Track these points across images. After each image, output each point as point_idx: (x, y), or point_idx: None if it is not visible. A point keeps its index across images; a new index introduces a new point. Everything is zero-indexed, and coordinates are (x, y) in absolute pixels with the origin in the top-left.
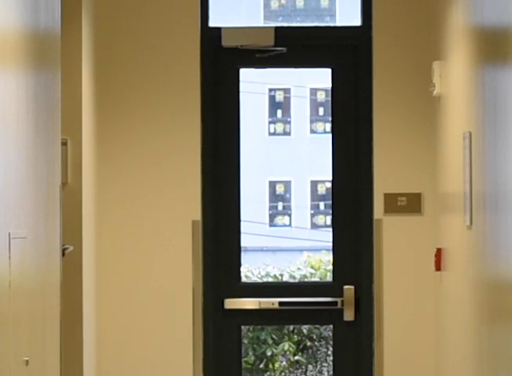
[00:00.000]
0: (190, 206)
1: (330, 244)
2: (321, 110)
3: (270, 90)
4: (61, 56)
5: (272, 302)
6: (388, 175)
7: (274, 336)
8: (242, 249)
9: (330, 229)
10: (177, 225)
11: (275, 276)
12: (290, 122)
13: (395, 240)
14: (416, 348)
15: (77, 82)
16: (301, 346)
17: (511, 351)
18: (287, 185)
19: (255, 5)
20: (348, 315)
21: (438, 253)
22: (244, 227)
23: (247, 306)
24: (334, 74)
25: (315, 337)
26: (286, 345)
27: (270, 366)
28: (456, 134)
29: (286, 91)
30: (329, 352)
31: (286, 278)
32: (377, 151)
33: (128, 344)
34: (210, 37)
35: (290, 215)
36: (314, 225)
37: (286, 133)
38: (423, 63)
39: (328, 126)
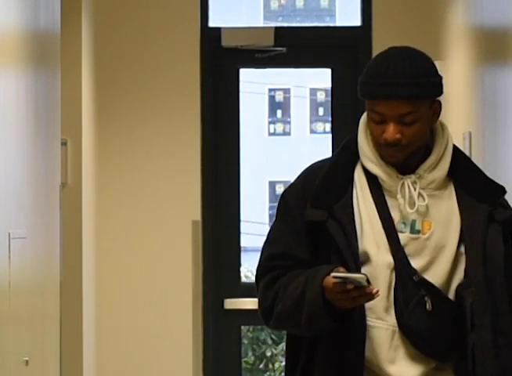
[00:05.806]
0: (190, 206)
1: None
2: (321, 110)
3: (270, 90)
4: (61, 56)
5: None
6: None
7: (274, 336)
8: (242, 249)
9: None
10: (177, 225)
11: None
12: (289, 122)
13: None
14: None
15: (77, 82)
16: None
17: None
18: (287, 185)
19: (255, 5)
20: None
21: None
22: (244, 227)
23: (247, 306)
24: (334, 74)
25: None
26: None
27: (270, 366)
28: (456, 134)
29: (286, 91)
30: None
31: None
32: None
33: (128, 344)
34: (210, 37)
35: None
36: None
37: (285, 133)
38: None
39: (328, 126)
